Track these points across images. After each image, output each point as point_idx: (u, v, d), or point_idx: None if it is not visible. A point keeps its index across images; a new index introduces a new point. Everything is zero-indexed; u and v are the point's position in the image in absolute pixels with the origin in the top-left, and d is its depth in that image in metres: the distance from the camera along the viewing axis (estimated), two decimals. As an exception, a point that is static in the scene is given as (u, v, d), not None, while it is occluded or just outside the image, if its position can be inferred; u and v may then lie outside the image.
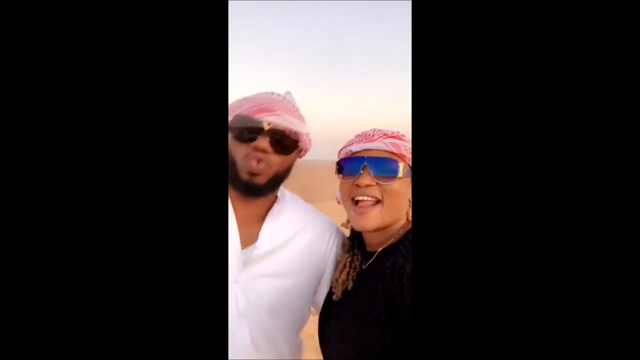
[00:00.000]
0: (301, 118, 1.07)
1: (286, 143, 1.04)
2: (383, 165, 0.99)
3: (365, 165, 0.99)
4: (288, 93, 1.12)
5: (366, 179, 0.98)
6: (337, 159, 1.08)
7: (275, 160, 1.02)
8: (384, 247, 1.01)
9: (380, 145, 1.00)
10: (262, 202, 1.09)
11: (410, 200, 1.03)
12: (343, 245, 1.15)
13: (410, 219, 1.03)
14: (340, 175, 1.05)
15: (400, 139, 1.02)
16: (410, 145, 1.02)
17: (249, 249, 1.06)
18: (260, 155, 1.00)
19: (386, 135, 1.02)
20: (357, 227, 1.03)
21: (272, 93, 1.08)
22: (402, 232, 1.01)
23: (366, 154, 1.01)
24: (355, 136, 1.06)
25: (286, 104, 1.05)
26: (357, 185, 0.99)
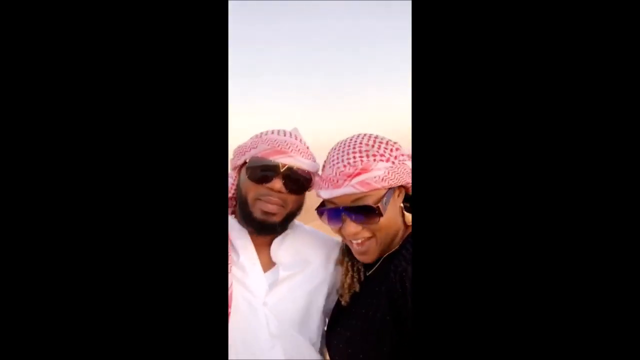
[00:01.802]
0: (312, 158, 1.14)
1: (299, 183, 1.10)
2: (361, 214, 0.94)
3: (344, 217, 0.96)
4: (295, 129, 1.18)
5: (351, 226, 0.95)
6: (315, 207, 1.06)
7: (290, 200, 1.10)
8: (387, 254, 1.01)
9: (348, 190, 0.92)
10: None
11: (401, 206, 1.02)
12: (343, 249, 1.14)
13: (408, 223, 1.02)
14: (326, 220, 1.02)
15: (365, 172, 0.92)
16: (380, 170, 0.93)
17: (268, 273, 1.11)
18: (275, 196, 1.06)
19: (349, 175, 0.92)
20: (361, 261, 1.03)
21: (284, 133, 1.13)
22: (404, 236, 1.02)
23: (340, 203, 0.96)
24: (321, 179, 1.00)
25: (298, 145, 1.11)
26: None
